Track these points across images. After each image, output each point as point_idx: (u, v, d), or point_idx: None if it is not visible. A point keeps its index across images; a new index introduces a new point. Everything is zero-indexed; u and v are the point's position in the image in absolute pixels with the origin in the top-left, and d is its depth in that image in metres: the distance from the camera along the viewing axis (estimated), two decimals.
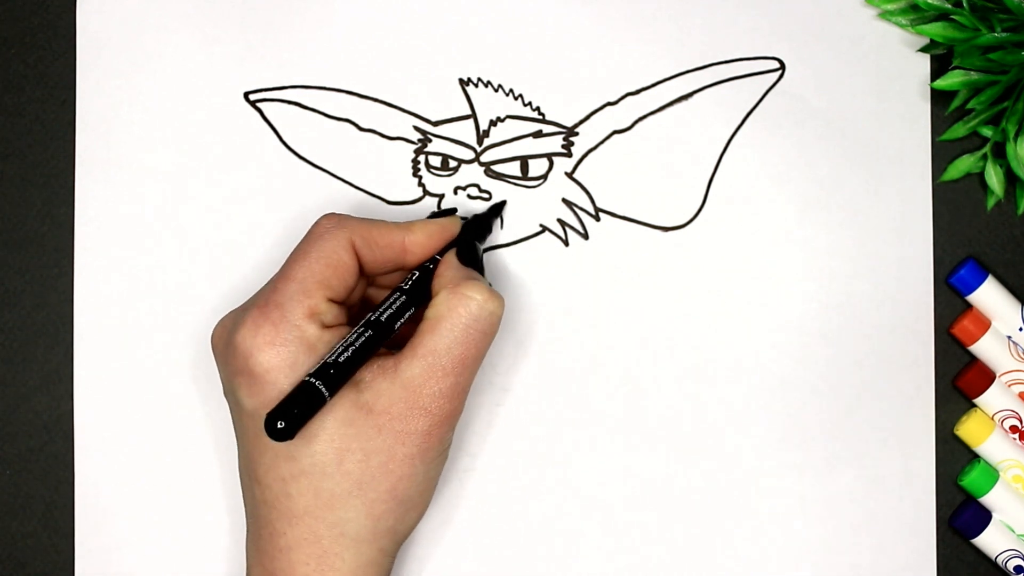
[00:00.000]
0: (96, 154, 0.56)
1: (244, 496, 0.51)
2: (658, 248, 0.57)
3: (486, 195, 0.56)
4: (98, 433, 0.56)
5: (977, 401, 0.57)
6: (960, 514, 0.57)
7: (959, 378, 0.57)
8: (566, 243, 0.57)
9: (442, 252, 0.52)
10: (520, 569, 0.56)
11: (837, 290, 0.57)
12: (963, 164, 0.56)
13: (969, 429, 0.56)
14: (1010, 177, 0.57)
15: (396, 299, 0.50)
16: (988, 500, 0.57)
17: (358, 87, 0.56)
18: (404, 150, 0.56)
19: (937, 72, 0.57)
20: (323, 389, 0.47)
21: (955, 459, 0.57)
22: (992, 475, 0.57)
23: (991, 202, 0.57)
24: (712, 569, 0.57)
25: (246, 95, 0.56)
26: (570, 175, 0.57)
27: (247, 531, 0.51)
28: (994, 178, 0.56)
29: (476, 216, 0.55)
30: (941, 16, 0.55)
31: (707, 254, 0.57)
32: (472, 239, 0.53)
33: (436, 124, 0.56)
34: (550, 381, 0.56)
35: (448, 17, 0.56)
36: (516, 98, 0.56)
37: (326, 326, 0.49)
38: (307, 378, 0.47)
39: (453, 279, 0.50)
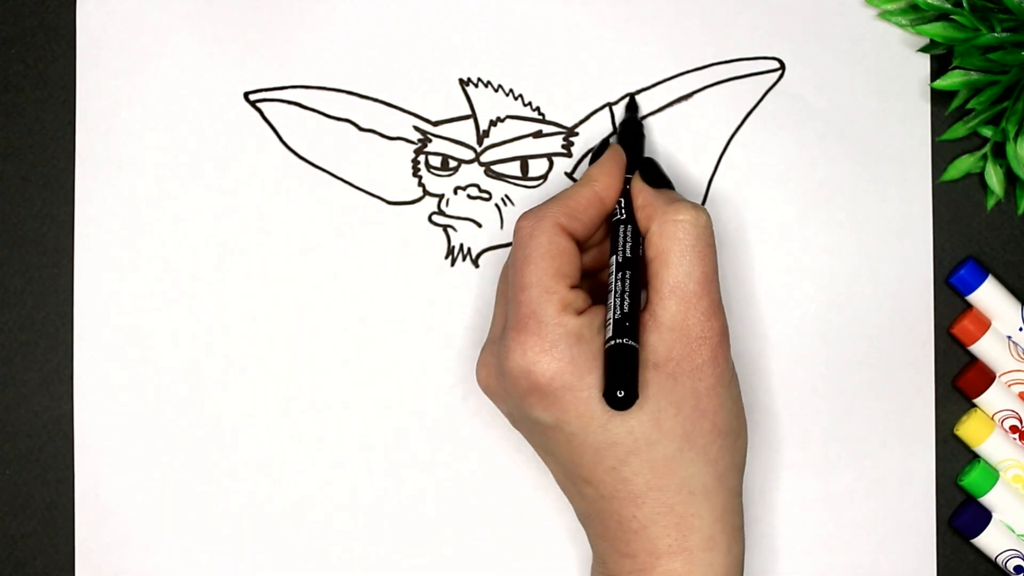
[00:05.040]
0: (96, 154, 0.56)
1: (575, 507, 0.51)
2: None
3: (486, 195, 0.56)
4: (98, 433, 0.56)
5: (977, 401, 0.57)
6: (960, 514, 0.57)
7: (959, 378, 0.57)
8: None
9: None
10: (521, 570, 0.57)
11: (837, 290, 0.57)
12: (963, 164, 0.56)
13: (969, 429, 0.56)
14: (1010, 177, 0.57)
15: (624, 231, 0.51)
16: (988, 500, 0.57)
17: (358, 87, 0.56)
18: (404, 150, 0.56)
19: (937, 72, 0.57)
20: (631, 342, 0.47)
21: (955, 459, 0.57)
22: (992, 475, 0.57)
23: (991, 202, 0.57)
24: None
25: (246, 95, 0.56)
26: (570, 175, 0.57)
27: (588, 535, 0.51)
28: (994, 178, 0.56)
29: (623, 123, 0.56)
30: (941, 16, 0.55)
31: None
32: (637, 151, 0.54)
33: (436, 124, 0.56)
34: None
35: (448, 17, 0.56)
36: (516, 98, 0.56)
37: (580, 312, 0.49)
38: (610, 342, 0.47)
39: (654, 207, 0.50)
